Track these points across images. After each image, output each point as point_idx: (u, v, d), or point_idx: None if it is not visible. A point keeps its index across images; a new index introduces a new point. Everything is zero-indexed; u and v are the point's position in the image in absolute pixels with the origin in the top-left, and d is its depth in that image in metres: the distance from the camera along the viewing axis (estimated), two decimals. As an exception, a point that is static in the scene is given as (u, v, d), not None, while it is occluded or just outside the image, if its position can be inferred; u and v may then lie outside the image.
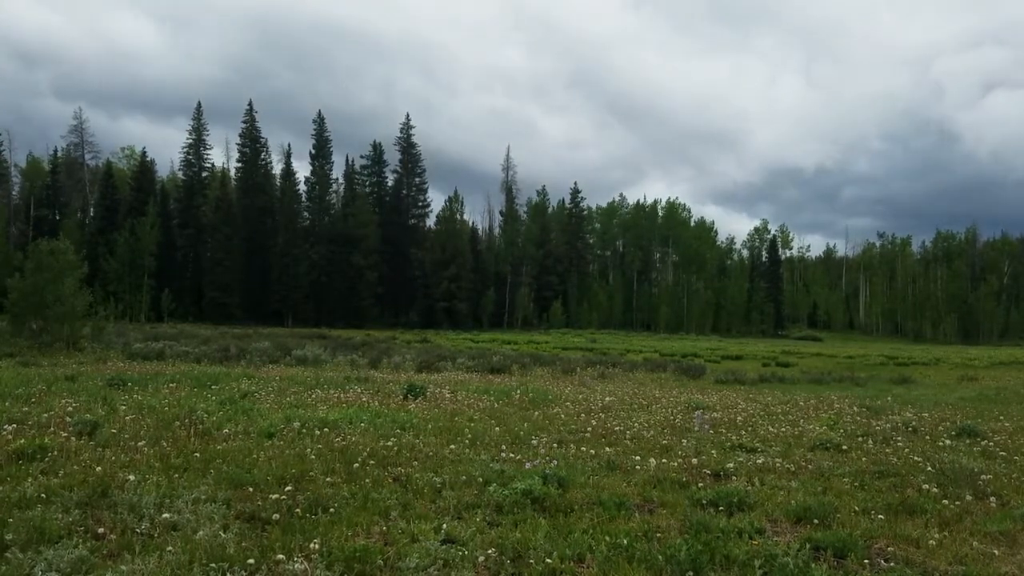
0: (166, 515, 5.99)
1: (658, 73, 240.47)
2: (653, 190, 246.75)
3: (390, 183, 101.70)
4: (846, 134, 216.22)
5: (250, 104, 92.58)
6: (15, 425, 9.54)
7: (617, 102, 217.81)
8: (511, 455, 9.17)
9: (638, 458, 9.12)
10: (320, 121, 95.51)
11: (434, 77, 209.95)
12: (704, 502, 7.14)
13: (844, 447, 10.48)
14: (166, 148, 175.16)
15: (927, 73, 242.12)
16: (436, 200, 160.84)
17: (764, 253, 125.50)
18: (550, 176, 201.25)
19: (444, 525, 6.09)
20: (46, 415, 10.55)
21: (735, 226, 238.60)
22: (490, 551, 5.50)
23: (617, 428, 11.79)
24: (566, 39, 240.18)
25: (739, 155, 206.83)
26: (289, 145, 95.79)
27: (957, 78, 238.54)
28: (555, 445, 10.15)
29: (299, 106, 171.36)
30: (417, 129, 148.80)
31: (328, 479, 7.51)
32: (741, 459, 9.43)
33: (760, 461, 9.33)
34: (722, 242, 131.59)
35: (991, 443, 11.27)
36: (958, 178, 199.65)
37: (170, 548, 5.28)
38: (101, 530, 5.68)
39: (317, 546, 5.39)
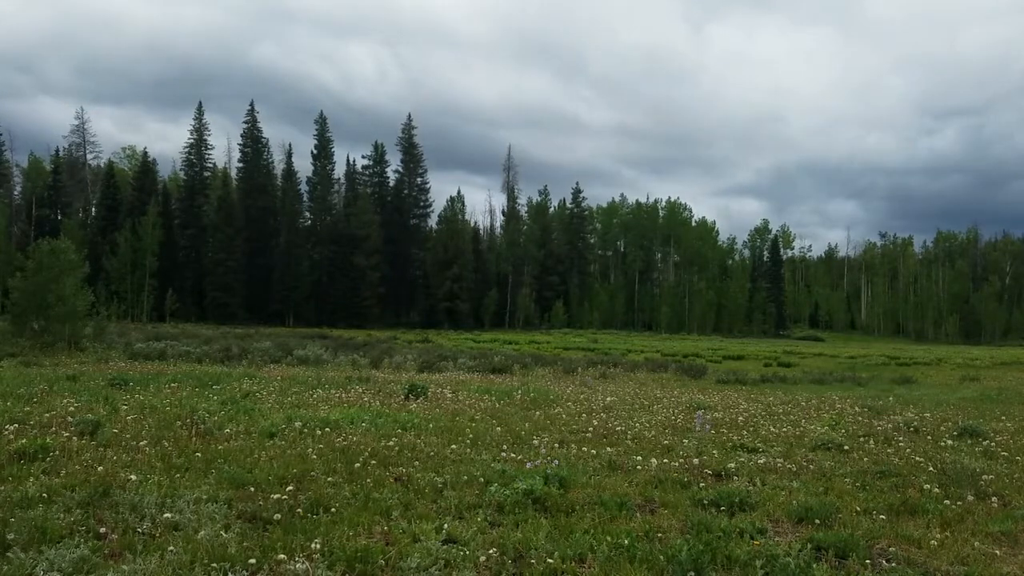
0: (168, 515, 5.99)
1: (670, 56, 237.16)
2: (662, 188, 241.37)
3: (392, 183, 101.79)
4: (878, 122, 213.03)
5: (251, 104, 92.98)
6: (17, 425, 9.56)
7: (632, 88, 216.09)
8: (512, 455, 9.16)
9: (639, 458, 9.12)
10: (322, 121, 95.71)
11: (447, 56, 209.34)
12: (705, 502, 7.13)
13: (846, 447, 10.47)
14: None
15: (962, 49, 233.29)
16: (448, 183, 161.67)
17: (766, 253, 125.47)
18: (562, 167, 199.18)
19: (445, 525, 6.08)
20: (48, 415, 10.57)
21: (753, 221, 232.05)
22: (491, 551, 5.49)
23: (618, 428, 11.78)
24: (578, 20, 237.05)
25: (757, 147, 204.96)
26: (291, 145, 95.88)
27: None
28: (556, 445, 10.14)
29: (300, 88, 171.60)
30: (433, 106, 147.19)
31: (329, 479, 7.51)
32: (742, 459, 9.42)
33: (762, 461, 9.32)
34: (723, 242, 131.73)
35: (993, 443, 11.26)
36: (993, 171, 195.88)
37: (172, 548, 5.27)
38: (103, 530, 5.68)
39: (318, 546, 5.39)
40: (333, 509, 6.47)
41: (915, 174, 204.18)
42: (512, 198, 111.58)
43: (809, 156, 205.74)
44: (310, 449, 8.90)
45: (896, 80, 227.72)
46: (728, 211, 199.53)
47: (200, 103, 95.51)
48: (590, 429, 11.64)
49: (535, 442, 10.20)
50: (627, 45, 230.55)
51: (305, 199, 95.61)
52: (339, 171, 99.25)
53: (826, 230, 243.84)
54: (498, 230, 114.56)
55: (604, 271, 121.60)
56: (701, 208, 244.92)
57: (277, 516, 6.16)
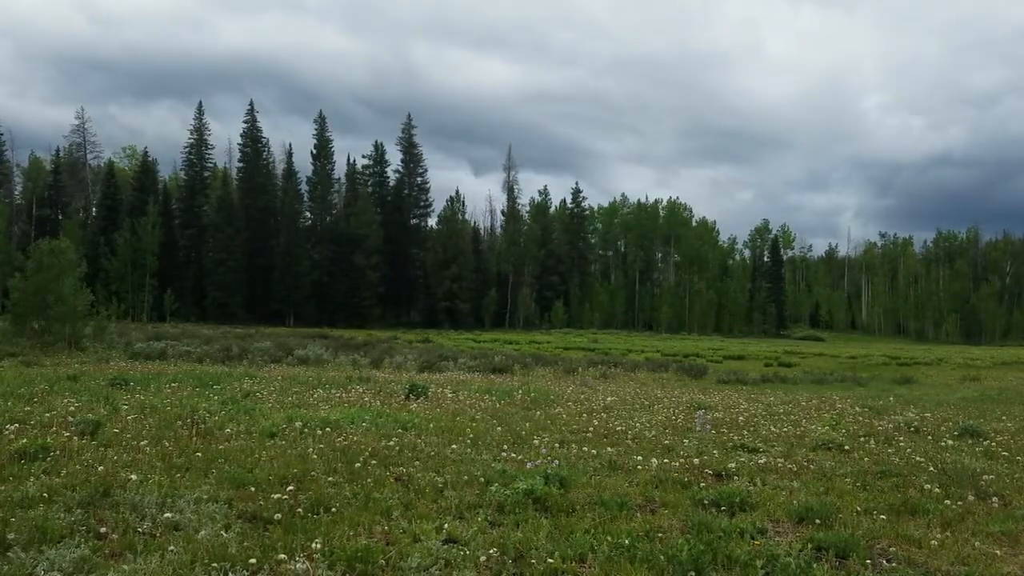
0: (168, 515, 6.00)
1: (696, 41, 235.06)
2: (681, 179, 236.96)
3: (392, 183, 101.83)
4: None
5: (251, 104, 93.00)
6: (17, 425, 9.56)
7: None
8: (513, 455, 9.16)
9: (640, 458, 9.11)
10: (321, 121, 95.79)
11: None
12: (706, 502, 7.13)
13: (846, 447, 10.46)
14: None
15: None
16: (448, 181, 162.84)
17: (766, 253, 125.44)
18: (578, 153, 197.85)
19: (446, 525, 6.08)
20: (48, 415, 10.56)
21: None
22: (492, 551, 5.49)
23: (619, 428, 11.78)
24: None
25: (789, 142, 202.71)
26: (291, 145, 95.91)
27: None
28: (557, 445, 10.14)
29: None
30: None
31: (330, 479, 7.51)
32: (743, 459, 9.42)
33: (762, 461, 9.32)
34: (724, 242, 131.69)
35: (993, 443, 11.26)
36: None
37: (172, 548, 5.28)
38: (103, 530, 5.68)
39: (319, 546, 5.38)
40: (334, 509, 6.47)
41: (931, 166, 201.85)
42: (512, 198, 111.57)
43: (823, 148, 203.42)
44: (311, 449, 8.90)
45: (922, 61, 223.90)
46: (730, 204, 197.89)
47: (200, 103, 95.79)
48: (591, 429, 11.64)
49: (536, 442, 10.20)
50: (641, 26, 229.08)
51: (305, 199, 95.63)
52: (339, 171, 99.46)
53: (849, 221, 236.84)
54: (498, 230, 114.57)
55: (605, 271, 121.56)
56: (702, 202, 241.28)
57: (277, 516, 6.16)
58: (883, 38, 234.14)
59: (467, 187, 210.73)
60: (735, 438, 11.09)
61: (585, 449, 9.70)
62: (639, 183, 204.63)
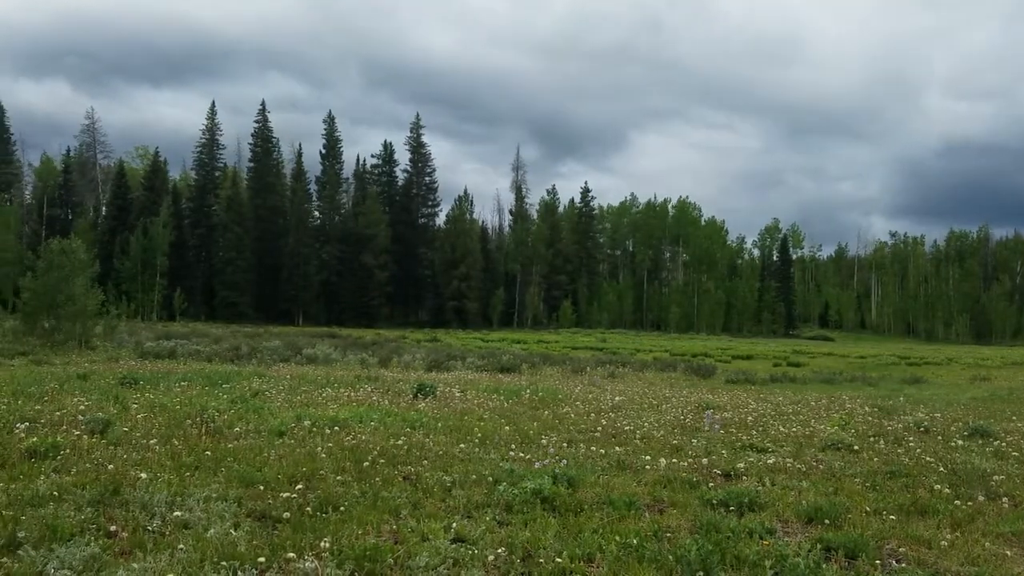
0: (177, 513, 6.02)
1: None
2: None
3: (400, 182, 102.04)
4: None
5: (263, 104, 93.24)
6: (28, 423, 9.62)
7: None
8: (521, 454, 9.16)
9: (648, 458, 9.10)
10: (330, 121, 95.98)
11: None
12: (714, 502, 7.11)
13: (855, 447, 10.42)
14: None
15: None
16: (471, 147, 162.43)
17: (775, 253, 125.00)
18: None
19: (454, 524, 6.09)
20: (58, 413, 10.63)
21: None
22: (500, 550, 5.49)
23: (627, 428, 11.76)
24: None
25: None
26: (300, 145, 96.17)
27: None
28: (565, 444, 10.13)
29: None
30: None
31: (338, 478, 7.53)
32: (752, 459, 9.39)
33: (771, 461, 9.29)
34: (733, 242, 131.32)
35: (1004, 444, 11.19)
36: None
37: (181, 546, 5.30)
38: (113, 528, 5.71)
39: (327, 544, 5.40)
40: (342, 508, 6.48)
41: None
42: (520, 198, 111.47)
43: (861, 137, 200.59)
44: (319, 448, 8.92)
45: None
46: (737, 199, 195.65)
47: (213, 102, 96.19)
48: (599, 428, 11.63)
49: (543, 441, 10.19)
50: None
51: (314, 198, 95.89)
52: (348, 170, 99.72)
53: (880, 218, 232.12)
54: (507, 229, 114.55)
55: (613, 270, 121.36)
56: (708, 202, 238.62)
57: (286, 515, 6.18)
58: (915, 23, 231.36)
59: (474, 184, 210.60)
60: (744, 438, 11.07)
61: (593, 449, 9.69)
62: (676, 173, 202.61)
